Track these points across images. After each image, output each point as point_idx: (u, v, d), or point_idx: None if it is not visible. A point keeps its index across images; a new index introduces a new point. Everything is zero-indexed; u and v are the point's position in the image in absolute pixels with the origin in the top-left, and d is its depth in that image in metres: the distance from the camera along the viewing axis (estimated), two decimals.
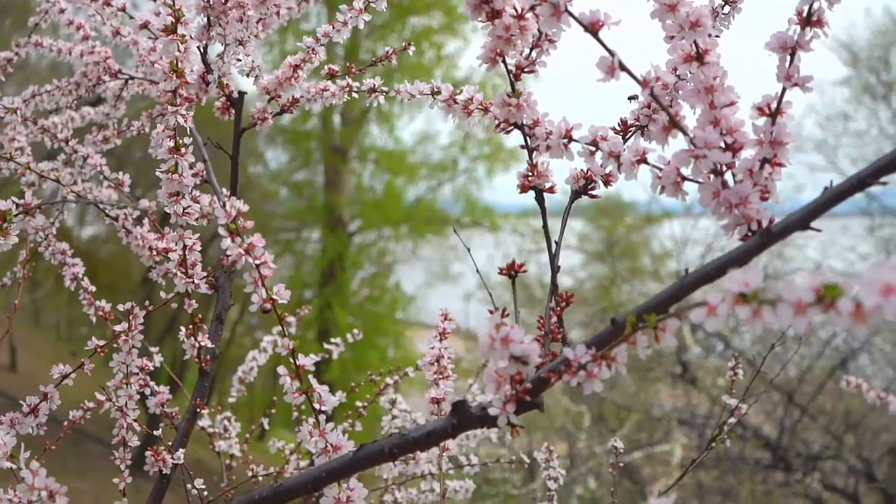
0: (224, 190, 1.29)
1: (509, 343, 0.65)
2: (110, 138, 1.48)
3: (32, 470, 0.74)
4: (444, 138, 11.66)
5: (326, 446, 0.78)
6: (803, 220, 0.62)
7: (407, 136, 13.96)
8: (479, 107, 0.91)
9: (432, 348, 1.10)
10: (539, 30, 0.76)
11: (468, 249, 1.16)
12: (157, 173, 0.97)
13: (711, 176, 0.68)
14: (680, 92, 0.76)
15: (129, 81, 1.47)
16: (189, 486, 1.17)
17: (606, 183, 0.86)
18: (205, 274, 1.11)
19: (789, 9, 0.71)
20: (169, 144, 0.95)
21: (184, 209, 1.00)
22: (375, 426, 1.72)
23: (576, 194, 0.86)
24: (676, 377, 7.16)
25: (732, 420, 1.34)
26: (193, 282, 1.08)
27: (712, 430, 1.37)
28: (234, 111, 1.23)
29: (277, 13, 1.18)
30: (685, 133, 0.70)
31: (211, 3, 1.12)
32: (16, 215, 0.83)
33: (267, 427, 1.68)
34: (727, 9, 0.91)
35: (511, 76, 0.80)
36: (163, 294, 1.18)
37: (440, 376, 1.10)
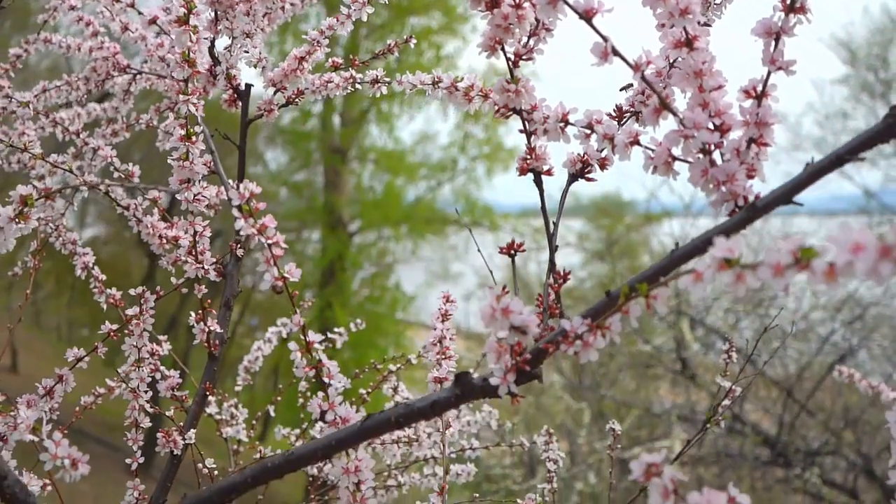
0: (231, 181, 1.32)
1: (509, 313, 0.68)
2: (119, 132, 1.52)
3: (55, 440, 0.78)
4: (443, 138, 11.72)
5: (335, 418, 0.82)
6: (786, 194, 0.66)
7: (406, 136, 14.02)
8: (480, 93, 0.95)
9: (435, 329, 1.14)
10: (536, 18, 0.80)
11: (478, 249, 1.18)
12: (169, 161, 1.01)
13: (700, 155, 0.72)
14: (672, 78, 0.79)
15: (138, 76, 1.51)
16: (200, 464, 1.21)
17: (602, 167, 0.89)
18: (214, 260, 1.14)
19: None
20: (181, 133, 0.99)
21: (194, 195, 1.03)
22: None
23: (573, 177, 0.89)
24: (676, 374, 7.20)
25: (726, 402, 1.38)
26: (203, 267, 1.12)
27: (707, 411, 1.41)
28: (240, 103, 1.26)
29: (283, 7, 1.22)
30: (675, 114, 0.74)
31: None
32: (37, 200, 0.86)
33: (273, 414, 1.72)
34: None
35: (510, 63, 0.84)
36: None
37: (443, 356, 1.13)
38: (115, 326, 1.15)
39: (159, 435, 1.16)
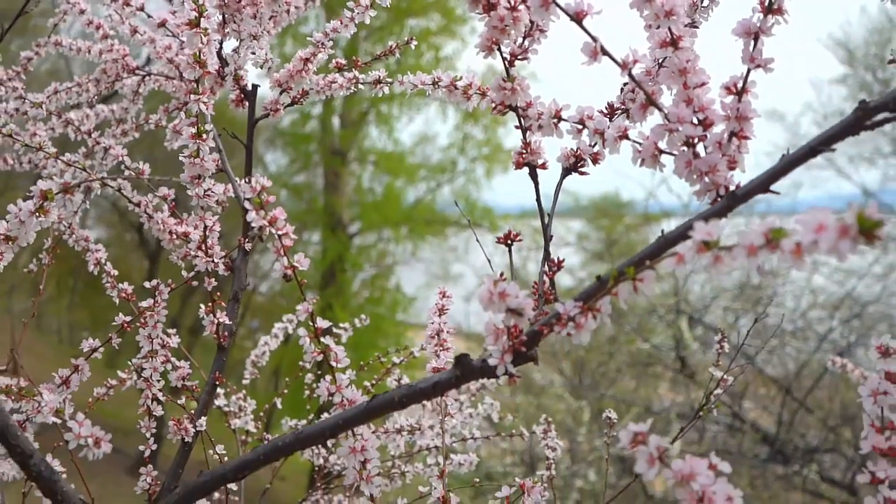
0: (238, 179, 1.37)
1: (506, 297, 0.73)
2: (128, 132, 1.57)
3: (78, 421, 0.82)
4: (442, 139, 11.78)
5: (342, 400, 0.86)
6: (764, 183, 0.70)
7: (406, 137, 14.07)
8: (478, 91, 0.99)
9: (432, 323, 1.18)
10: (531, 20, 0.84)
11: (479, 245, 1.22)
12: (181, 157, 1.05)
13: (685, 148, 0.77)
14: (660, 76, 0.84)
15: (146, 78, 1.56)
16: (211, 451, 1.25)
17: (595, 161, 0.94)
18: (223, 254, 1.19)
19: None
20: (191, 130, 1.03)
21: (205, 191, 1.08)
22: None
23: (566, 171, 0.94)
24: (676, 373, 7.25)
25: (719, 391, 1.42)
26: (213, 261, 1.17)
27: (701, 402, 1.45)
28: (247, 103, 1.31)
29: (287, 11, 1.27)
30: (660, 109, 0.78)
31: (226, 0, 1.21)
32: (56, 194, 0.91)
33: (280, 406, 1.76)
34: (706, 2, 0.99)
35: (506, 63, 0.89)
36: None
37: (440, 348, 1.18)
38: (128, 318, 1.19)
39: (171, 423, 1.21)
